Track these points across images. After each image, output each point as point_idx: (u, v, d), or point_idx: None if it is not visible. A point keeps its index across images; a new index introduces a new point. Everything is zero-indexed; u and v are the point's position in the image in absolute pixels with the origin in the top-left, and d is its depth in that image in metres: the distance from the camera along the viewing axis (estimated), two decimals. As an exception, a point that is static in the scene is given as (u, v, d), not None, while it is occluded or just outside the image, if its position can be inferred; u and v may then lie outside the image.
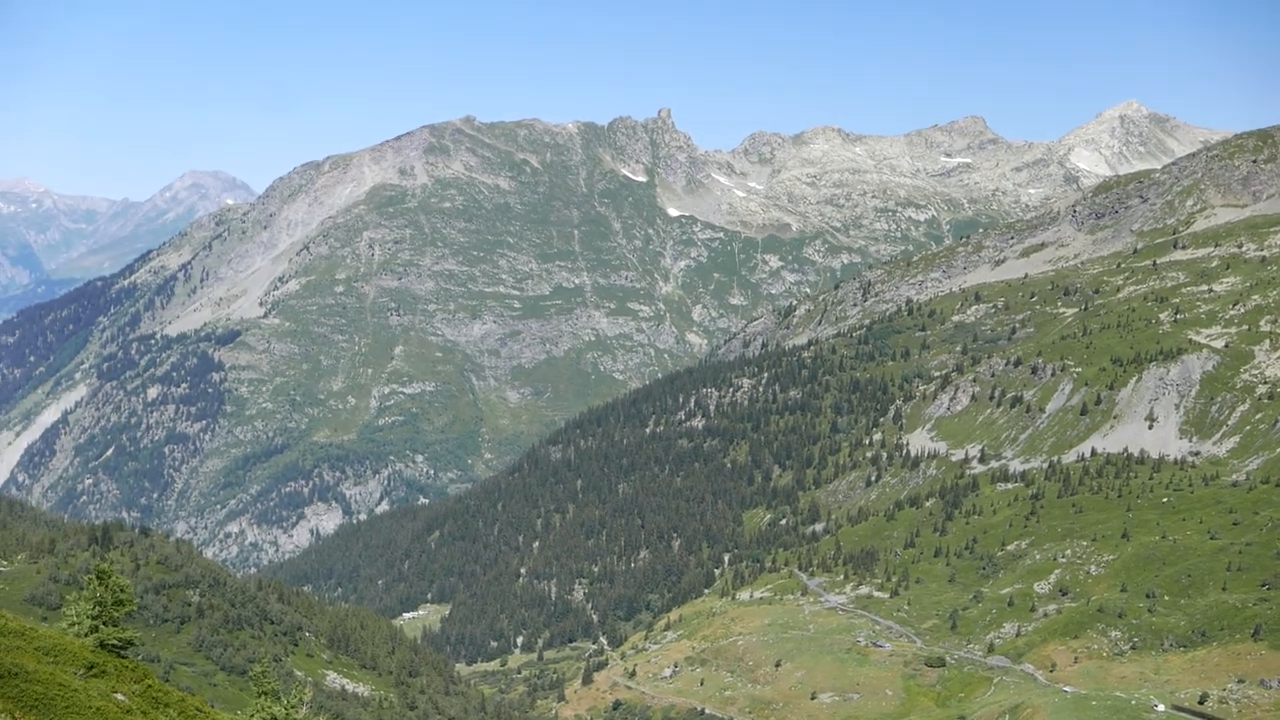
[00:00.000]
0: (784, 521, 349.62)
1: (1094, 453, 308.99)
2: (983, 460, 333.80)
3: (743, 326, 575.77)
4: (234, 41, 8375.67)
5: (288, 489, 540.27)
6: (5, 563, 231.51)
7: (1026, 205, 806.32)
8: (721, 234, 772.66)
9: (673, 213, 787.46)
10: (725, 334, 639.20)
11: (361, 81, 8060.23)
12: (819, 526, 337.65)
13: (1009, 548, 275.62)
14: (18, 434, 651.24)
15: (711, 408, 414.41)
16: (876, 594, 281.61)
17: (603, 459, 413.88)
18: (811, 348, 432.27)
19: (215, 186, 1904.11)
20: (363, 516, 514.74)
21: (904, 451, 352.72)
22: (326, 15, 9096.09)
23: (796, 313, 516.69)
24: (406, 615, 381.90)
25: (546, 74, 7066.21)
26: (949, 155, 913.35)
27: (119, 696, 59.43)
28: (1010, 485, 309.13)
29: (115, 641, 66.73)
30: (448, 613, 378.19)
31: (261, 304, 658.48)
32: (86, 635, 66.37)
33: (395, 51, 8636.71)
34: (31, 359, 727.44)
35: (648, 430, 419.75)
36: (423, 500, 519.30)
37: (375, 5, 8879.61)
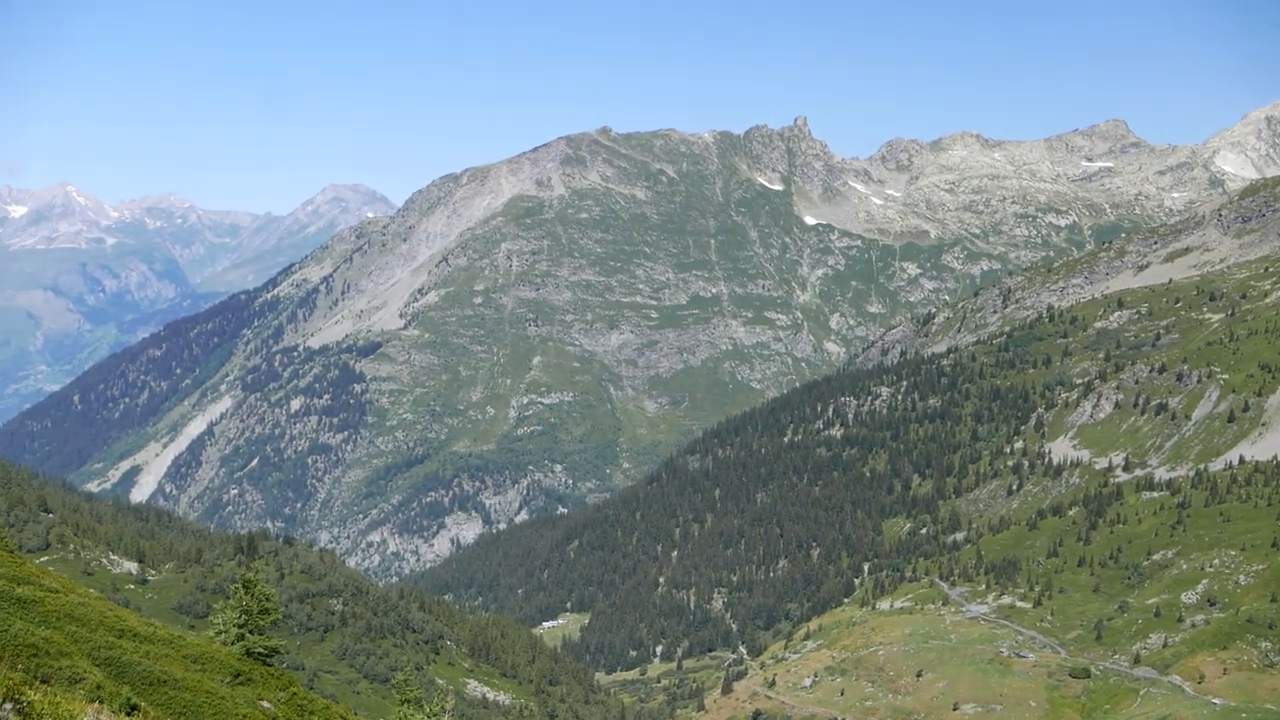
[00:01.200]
0: (924, 530, 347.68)
1: (1242, 460, 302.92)
2: (1127, 468, 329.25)
3: (881, 334, 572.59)
4: (373, 58, 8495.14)
5: (428, 499, 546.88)
6: (154, 572, 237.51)
7: (1170, 209, 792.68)
8: (859, 242, 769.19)
9: (809, 221, 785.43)
10: (863, 342, 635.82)
11: (498, 94, 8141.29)
12: (959, 536, 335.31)
13: (1154, 557, 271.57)
14: (165, 445, 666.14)
15: (850, 416, 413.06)
16: (1019, 604, 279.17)
17: (741, 468, 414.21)
18: (951, 355, 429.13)
19: (355, 200, 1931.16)
20: (502, 526, 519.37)
21: (1046, 460, 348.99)
22: (464, 29, 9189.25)
23: (935, 320, 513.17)
24: (546, 624, 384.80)
25: (682, 84, 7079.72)
26: (1090, 159, 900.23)
27: (265, 704, 61.33)
28: (1155, 494, 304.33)
29: (261, 649, 68.80)
30: (587, 622, 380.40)
31: (401, 316, 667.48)
32: (233, 643, 68.45)
33: (532, 63, 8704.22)
34: (178, 371, 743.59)
35: (786, 439, 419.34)
36: (561, 510, 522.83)
37: (513, 18, 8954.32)
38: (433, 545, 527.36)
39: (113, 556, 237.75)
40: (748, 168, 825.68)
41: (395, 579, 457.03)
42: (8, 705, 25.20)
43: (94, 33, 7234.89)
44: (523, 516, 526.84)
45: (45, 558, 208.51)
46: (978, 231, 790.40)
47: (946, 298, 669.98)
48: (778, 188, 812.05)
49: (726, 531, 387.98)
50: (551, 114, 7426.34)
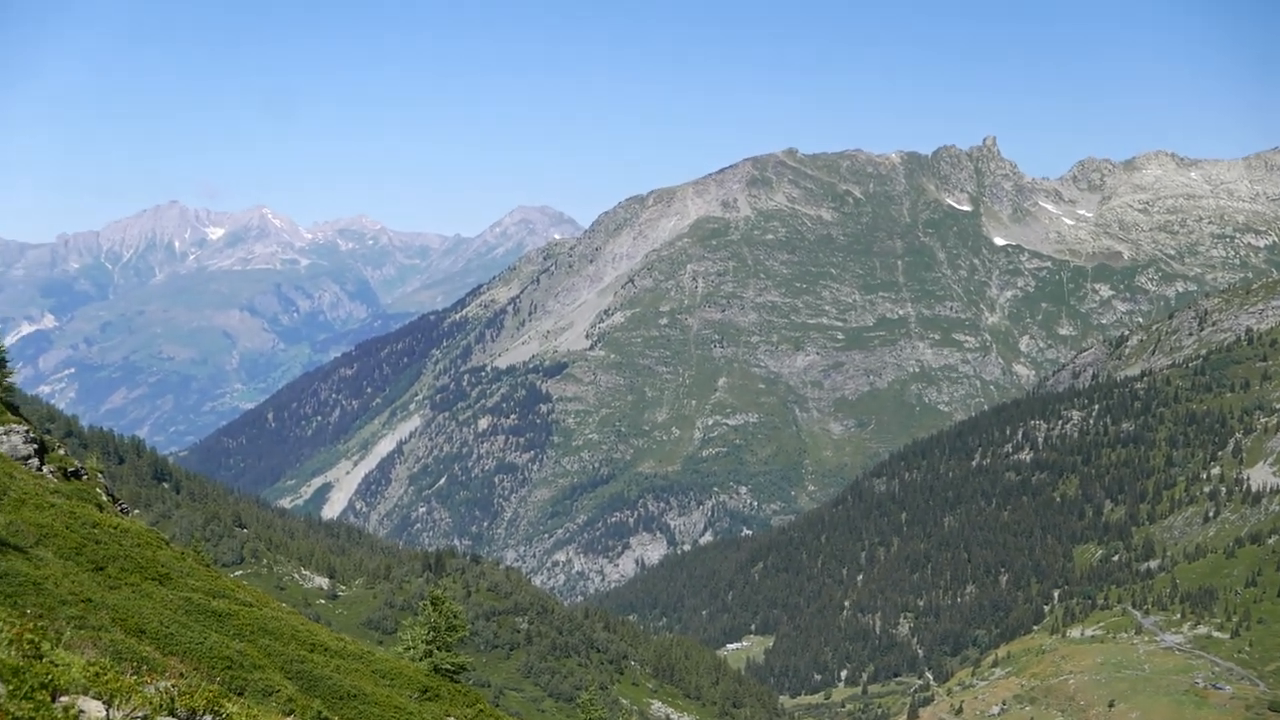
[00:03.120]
0: (1116, 557, 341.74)
1: None
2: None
3: (1072, 357, 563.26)
4: (561, 82, 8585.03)
5: (613, 519, 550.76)
6: (344, 587, 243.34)
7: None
8: (1049, 263, 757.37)
9: (999, 242, 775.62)
10: (1053, 365, 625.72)
11: (684, 116, 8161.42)
12: (1153, 563, 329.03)
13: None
14: (355, 463, 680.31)
15: (1040, 440, 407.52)
16: (1215, 634, 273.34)
17: (928, 492, 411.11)
18: (1144, 379, 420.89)
19: (542, 222, 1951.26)
20: (687, 547, 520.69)
21: (1244, 486, 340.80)
22: (650, 54, 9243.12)
23: (1128, 343, 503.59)
24: (730, 646, 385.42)
25: (869, 105, 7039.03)
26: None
27: (451, 721, 62.94)
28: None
29: (448, 666, 70.67)
30: (771, 644, 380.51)
31: (587, 336, 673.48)
32: (421, 659, 70.38)
33: (718, 86, 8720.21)
34: (368, 390, 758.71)
35: (974, 463, 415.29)
36: (746, 531, 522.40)
37: (698, 41, 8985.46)
38: (617, 565, 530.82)
39: (305, 572, 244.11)
40: (935, 188, 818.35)
41: (580, 598, 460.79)
42: (207, 716, 27.11)
43: (293, 63, 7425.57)
44: (707, 538, 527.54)
45: (240, 572, 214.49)
46: (1172, 252, 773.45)
47: (1140, 320, 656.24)
48: (966, 208, 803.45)
49: (913, 555, 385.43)
50: (737, 136, 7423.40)
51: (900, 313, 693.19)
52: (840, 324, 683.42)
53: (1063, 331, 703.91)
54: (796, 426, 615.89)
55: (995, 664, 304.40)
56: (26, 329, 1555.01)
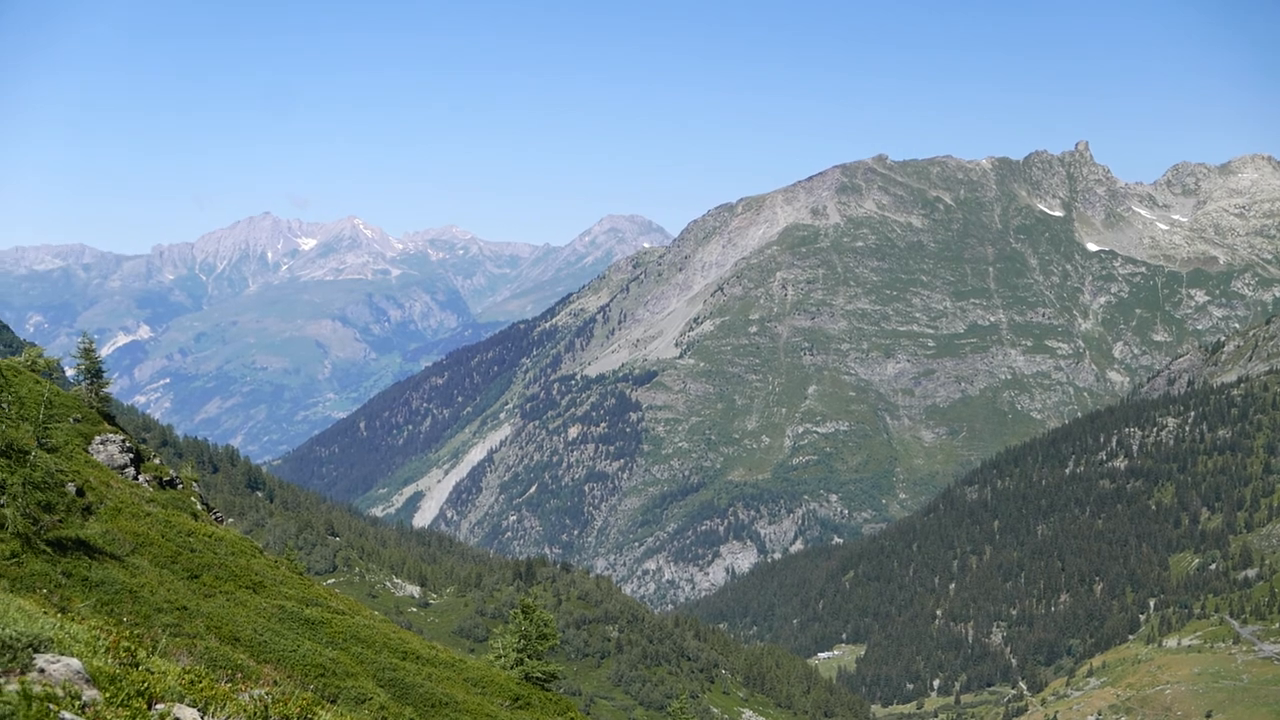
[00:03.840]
0: (1213, 566, 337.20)
1: None
2: None
3: (1166, 364, 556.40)
4: (650, 90, 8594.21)
5: (703, 527, 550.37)
6: (435, 595, 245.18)
7: None
8: (1143, 269, 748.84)
9: (1091, 248, 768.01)
10: (1148, 371, 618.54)
11: (773, 123, 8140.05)
12: (1251, 572, 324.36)
13: None
14: (446, 472, 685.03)
15: (1134, 447, 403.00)
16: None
17: (1020, 500, 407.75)
18: (1241, 385, 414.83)
19: (631, 230, 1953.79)
20: (777, 555, 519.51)
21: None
22: (739, 61, 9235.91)
23: (1225, 349, 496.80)
24: (821, 655, 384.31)
25: (959, 111, 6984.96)
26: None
27: (542, 729, 63.30)
28: None
29: (539, 674, 71.01)
30: (862, 653, 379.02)
31: (677, 345, 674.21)
32: (512, 668, 70.74)
33: (806, 92, 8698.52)
34: (459, 399, 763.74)
35: (1067, 470, 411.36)
36: (837, 540, 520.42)
37: (787, 49, 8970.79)
38: (708, 574, 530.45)
39: (396, 580, 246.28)
40: (1027, 194, 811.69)
41: (670, 607, 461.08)
42: (300, 724, 27.50)
43: (385, 75, 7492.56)
44: (798, 546, 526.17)
45: (332, 580, 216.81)
46: (1269, 257, 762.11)
47: (1236, 325, 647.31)
48: (1058, 214, 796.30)
49: (1006, 564, 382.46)
50: (826, 143, 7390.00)
51: (992, 319, 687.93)
52: (931, 331, 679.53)
53: (1157, 338, 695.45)
54: (887, 434, 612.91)
55: (1090, 674, 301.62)
56: (122, 340, 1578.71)
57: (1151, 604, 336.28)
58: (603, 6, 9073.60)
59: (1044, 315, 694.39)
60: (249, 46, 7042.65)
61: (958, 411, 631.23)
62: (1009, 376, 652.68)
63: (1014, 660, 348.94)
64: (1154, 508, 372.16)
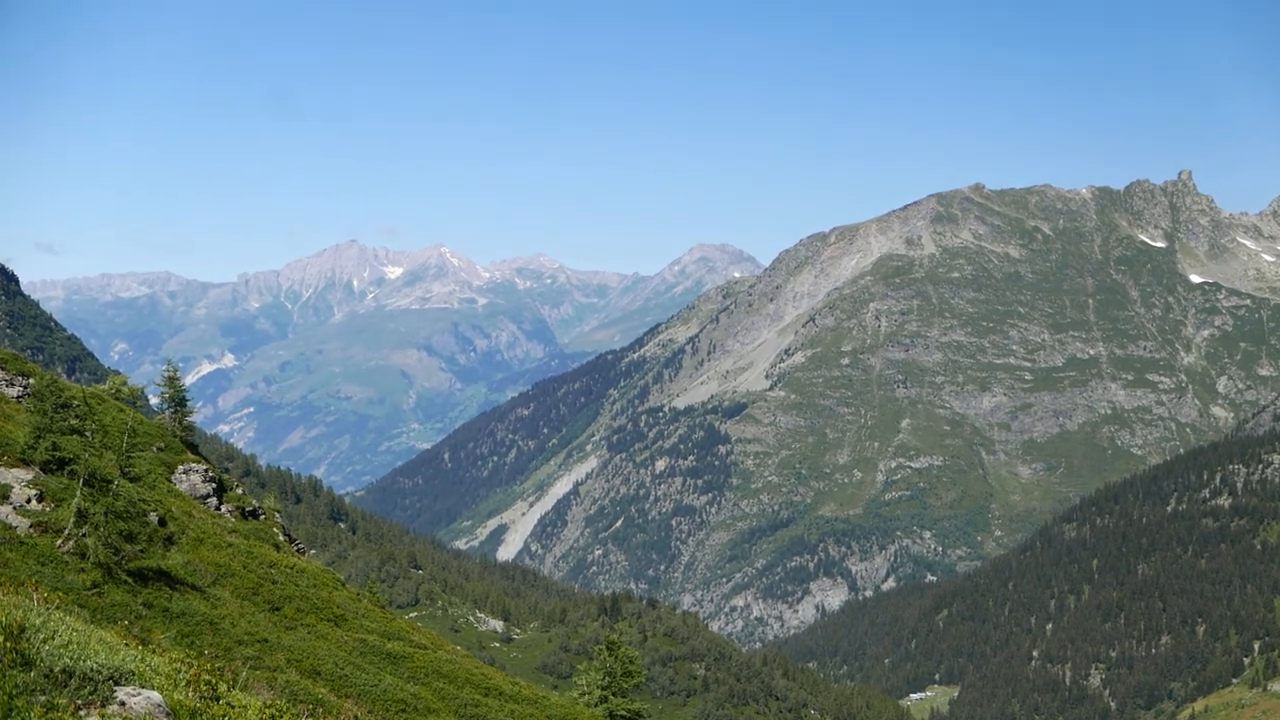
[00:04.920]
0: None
1: None
2: None
3: (1273, 399, 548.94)
4: (742, 119, 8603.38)
5: (793, 563, 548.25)
6: (519, 630, 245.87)
7: None
8: (1248, 301, 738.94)
9: (1194, 279, 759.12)
10: (1253, 407, 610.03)
11: (866, 152, 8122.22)
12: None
13: None
14: (531, 504, 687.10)
15: (1239, 485, 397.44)
16: None
17: (1120, 538, 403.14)
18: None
19: (722, 260, 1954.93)
20: (868, 593, 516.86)
21: None
22: (833, 89, 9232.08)
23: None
24: (914, 696, 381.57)
25: (1058, 138, 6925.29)
26: None
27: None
28: None
29: (624, 713, 70.99)
30: (956, 694, 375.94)
31: (767, 376, 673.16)
32: (596, 705, 70.77)
33: (901, 120, 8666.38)
34: (545, 431, 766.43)
35: (1169, 508, 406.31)
36: (930, 578, 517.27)
37: (880, 75, 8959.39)
38: (797, 611, 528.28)
39: (479, 614, 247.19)
40: (1128, 224, 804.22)
41: (758, 645, 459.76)
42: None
43: (472, 104, 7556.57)
44: (890, 584, 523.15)
45: (414, 613, 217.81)
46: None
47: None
48: (1160, 245, 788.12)
49: (1105, 604, 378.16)
50: (921, 172, 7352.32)
51: (1091, 352, 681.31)
52: (1028, 364, 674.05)
53: (1263, 372, 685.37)
54: (983, 469, 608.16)
55: (1192, 718, 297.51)
56: (207, 368, 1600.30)
57: (1256, 646, 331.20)
58: (696, 34, 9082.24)
59: (1145, 348, 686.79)
60: (336, 74, 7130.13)
61: (1056, 447, 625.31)
62: (1109, 411, 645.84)
63: (1113, 703, 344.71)
64: (1259, 547, 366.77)
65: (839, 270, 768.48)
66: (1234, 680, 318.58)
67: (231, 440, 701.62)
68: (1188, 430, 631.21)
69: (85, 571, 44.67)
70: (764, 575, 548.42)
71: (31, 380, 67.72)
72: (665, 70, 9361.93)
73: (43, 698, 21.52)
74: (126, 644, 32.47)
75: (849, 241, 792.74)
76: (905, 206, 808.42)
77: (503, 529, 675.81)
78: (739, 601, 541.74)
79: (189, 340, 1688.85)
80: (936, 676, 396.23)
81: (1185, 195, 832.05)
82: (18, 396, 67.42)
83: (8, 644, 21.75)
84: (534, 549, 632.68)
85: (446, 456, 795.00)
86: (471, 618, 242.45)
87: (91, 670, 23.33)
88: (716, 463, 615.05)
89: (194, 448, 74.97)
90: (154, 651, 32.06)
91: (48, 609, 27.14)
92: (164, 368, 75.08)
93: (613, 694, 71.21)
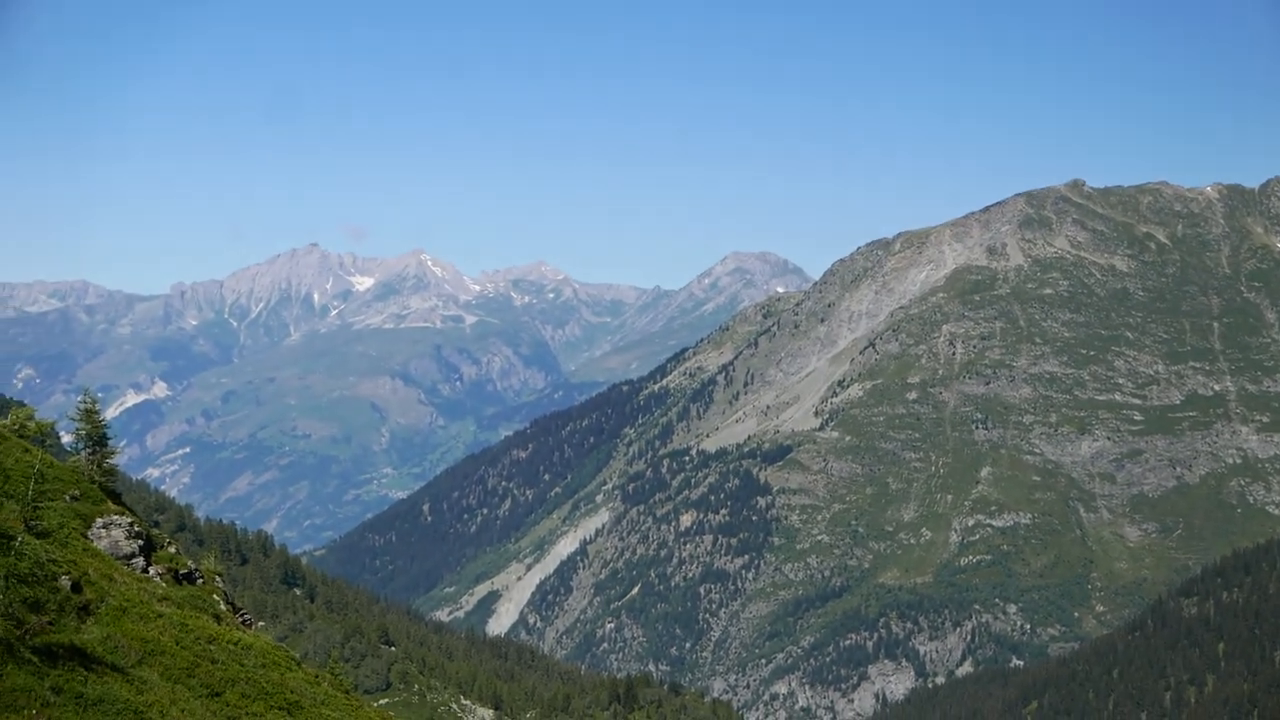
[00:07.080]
0: None
1: None
2: None
3: None
4: (782, 105, 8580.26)
5: (847, 642, 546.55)
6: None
7: None
8: None
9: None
10: None
11: (939, 146, 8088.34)
12: None
13: None
14: (529, 567, 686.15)
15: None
16: None
17: (1252, 616, 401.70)
18: None
19: (762, 271, 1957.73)
20: (940, 679, 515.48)
21: None
22: (889, 69, 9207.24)
23: None
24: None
25: (1175, 127, 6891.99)
26: None
27: None
28: None
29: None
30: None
31: (817, 414, 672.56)
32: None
33: (982, 108, 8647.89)
34: (546, 477, 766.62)
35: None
36: (1016, 662, 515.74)
37: (955, 54, 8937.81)
38: (852, 701, 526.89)
39: (464, 701, 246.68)
40: (1264, 230, 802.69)
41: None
42: None
43: (456, 85, 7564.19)
44: (966, 668, 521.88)
45: (385, 700, 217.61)
46: None
47: None
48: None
49: (1234, 698, 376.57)
50: (1005, 166, 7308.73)
51: (1217, 388, 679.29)
52: (1138, 401, 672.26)
53: None
54: (1081, 530, 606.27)
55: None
56: (133, 399, 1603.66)
57: None
58: (736, 13, 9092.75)
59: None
60: (289, 46, 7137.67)
61: (1171, 503, 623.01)
62: (1238, 461, 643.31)
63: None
64: None
65: (905, 285, 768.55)
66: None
67: (163, 487, 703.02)
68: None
69: (-21, 648, 43.98)
70: (812, 656, 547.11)
71: (-87, 412, 67.20)
72: (693, 46, 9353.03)
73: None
74: (27, 740, 31.76)
75: (917, 250, 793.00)
76: (986, 208, 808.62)
77: (494, 596, 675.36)
78: (782, 688, 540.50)
79: (110, 365, 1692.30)
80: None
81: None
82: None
83: None
84: (532, 621, 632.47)
85: (426, 508, 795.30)
86: (455, 705, 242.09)
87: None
88: (754, 518, 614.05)
89: (116, 496, 74.45)
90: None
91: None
92: (80, 399, 74.69)
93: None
